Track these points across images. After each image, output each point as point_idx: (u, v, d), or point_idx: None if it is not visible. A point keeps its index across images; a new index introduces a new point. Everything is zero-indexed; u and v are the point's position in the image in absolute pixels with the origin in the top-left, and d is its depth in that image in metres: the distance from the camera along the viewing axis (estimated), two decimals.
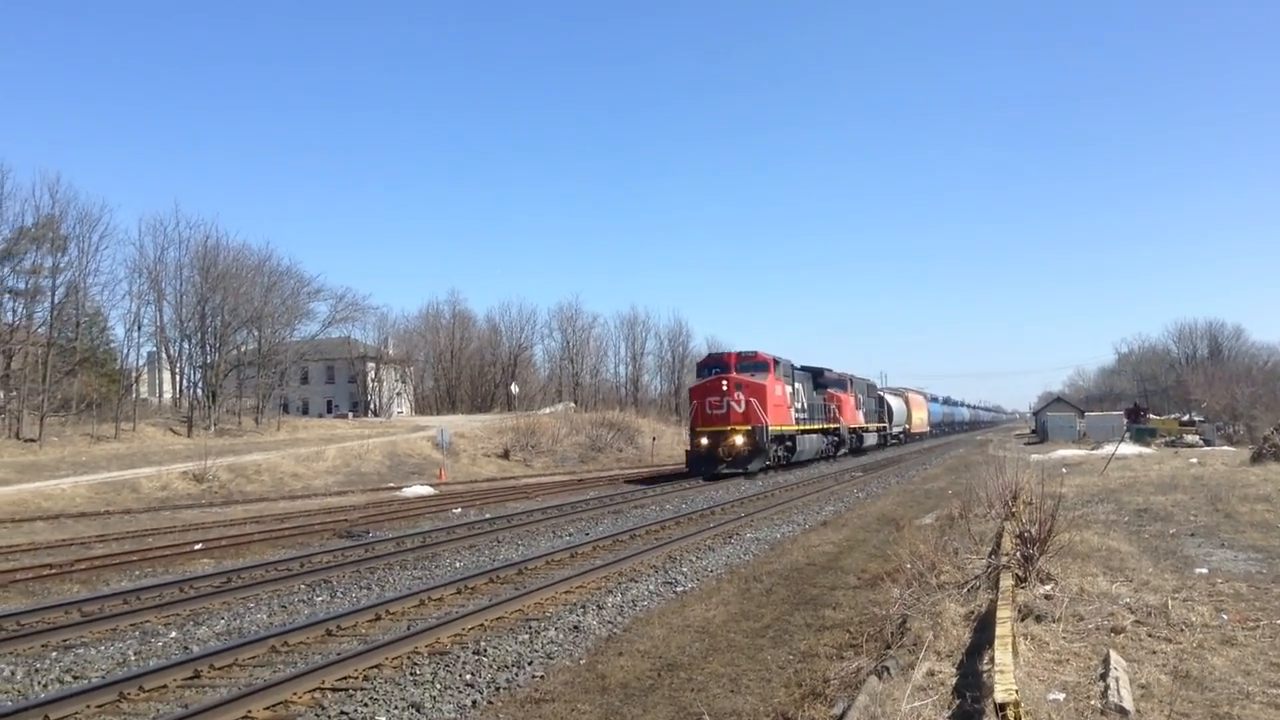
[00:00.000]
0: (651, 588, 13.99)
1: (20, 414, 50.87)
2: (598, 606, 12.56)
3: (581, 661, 9.94)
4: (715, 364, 40.87)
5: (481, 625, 11.48)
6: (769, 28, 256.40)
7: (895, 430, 73.48)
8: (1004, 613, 8.49)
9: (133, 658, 10.66)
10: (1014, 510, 15.60)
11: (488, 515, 26.50)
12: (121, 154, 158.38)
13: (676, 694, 8.59)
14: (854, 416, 55.75)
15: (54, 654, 10.84)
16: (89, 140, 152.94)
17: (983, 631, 8.98)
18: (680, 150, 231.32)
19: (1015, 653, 7.46)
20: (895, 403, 75.02)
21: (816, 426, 46.96)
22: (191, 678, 9.34)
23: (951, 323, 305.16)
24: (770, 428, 38.00)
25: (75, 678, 9.84)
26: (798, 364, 46.52)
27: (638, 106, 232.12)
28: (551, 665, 9.78)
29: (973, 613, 10.23)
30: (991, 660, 7.18)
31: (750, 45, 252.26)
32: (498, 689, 8.94)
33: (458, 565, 17.15)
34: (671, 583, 14.42)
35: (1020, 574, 11.37)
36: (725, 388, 38.07)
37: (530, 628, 11.36)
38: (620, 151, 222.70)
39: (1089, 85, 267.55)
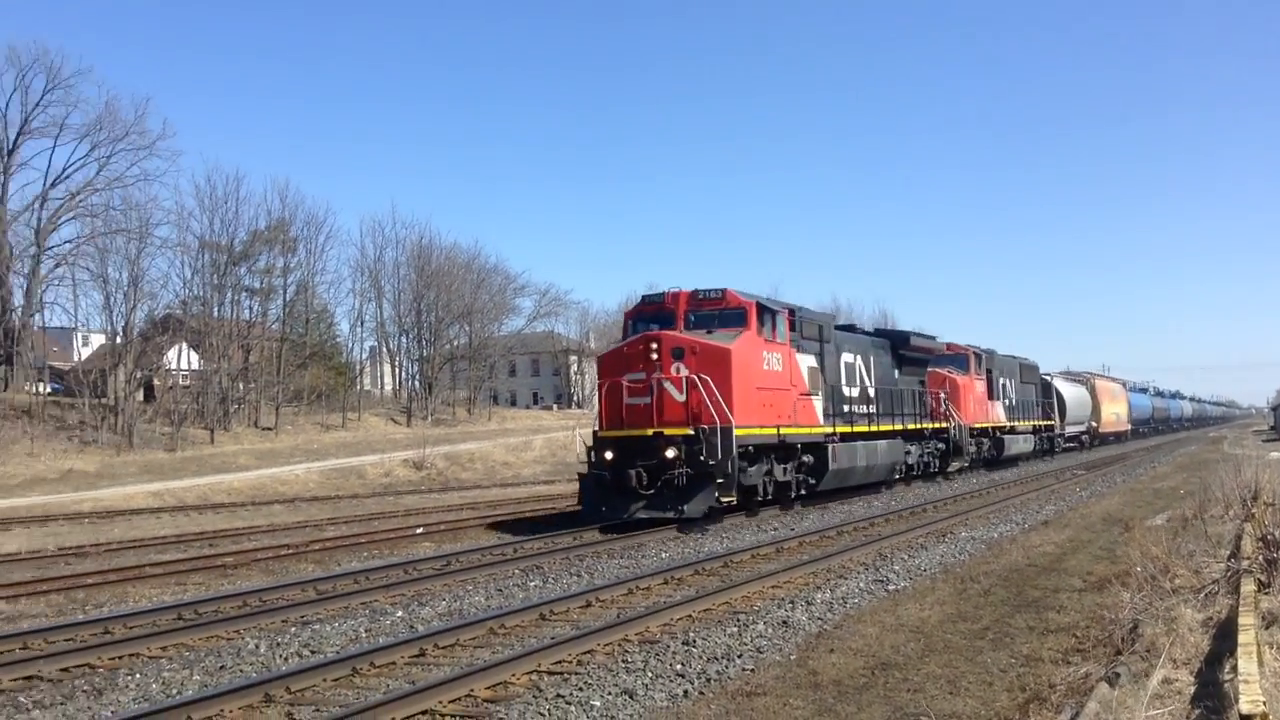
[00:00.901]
0: (861, 585, 13.73)
1: (258, 404, 54.98)
2: (806, 602, 12.41)
3: (792, 657, 9.83)
4: (649, 314, 22.31)
5: (689, 616, 11.53)
6: None
7: (1071, 429, 55.36)
8: (1246, 619, 7.99)
9: (363, 635, 11.23)
10: (1254, 511, 14.62)
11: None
12: (342, 156, 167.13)
13: (892, 694, 8.41)
14: (982, 410, 38.06)
15: (293, 629, 11.52)
16: (313, 142, 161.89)
17: (1223, 639, 8.44)
18: (891, 140, 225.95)
19: (1260, 662, 6.97)
20: (1070, 392, 55.24)
21: (887, 427, 28.33)
22: (417, 656, 9.75)
23: (1184, 316, 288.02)
24: (737, 430, 19.80)
25: (312, 652, 10.41)
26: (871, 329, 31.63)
27: (864, 89, 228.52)
28: (761, 659, 9.72)
29: (1211, 619, 9.63)
30: (1234, 669, 6.76)
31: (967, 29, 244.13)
32: (708, 680, 8.95)
33: (664, 556, 17.35)
34: (882, 580, 14.12)
35: (1263, 579, 10.62)
36: (655, 355, 20.21)
37: (738, 621, 11.33)
38: (828, 139, 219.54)
39: None
